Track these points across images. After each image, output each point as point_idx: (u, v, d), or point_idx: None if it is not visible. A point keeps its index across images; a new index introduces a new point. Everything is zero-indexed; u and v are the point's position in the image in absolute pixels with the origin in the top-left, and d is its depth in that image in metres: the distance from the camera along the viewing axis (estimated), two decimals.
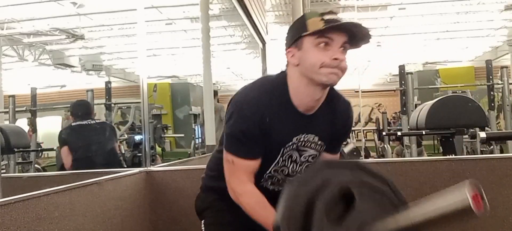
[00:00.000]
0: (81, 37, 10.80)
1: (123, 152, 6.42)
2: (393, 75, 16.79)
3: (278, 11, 11.18)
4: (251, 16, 6.39)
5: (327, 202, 1.09)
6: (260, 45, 8.07)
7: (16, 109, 6.80)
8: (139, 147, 6.14)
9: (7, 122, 7.12)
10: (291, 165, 1.49)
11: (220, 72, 15.39)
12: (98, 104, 6.76)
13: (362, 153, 7.43)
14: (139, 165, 4.36)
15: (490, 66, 6.24)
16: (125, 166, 4.97)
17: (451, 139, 3.91)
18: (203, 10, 4.86)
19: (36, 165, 6.44)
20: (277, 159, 1.47)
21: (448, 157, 3.45)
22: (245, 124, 1.38)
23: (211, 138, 4.59)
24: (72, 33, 10.73)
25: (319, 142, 1.49)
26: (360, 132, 10.73)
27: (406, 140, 5.99)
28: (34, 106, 6.50)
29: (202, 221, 1.63)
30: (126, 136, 7.48)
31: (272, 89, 1.41)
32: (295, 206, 1.11)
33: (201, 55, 4.69)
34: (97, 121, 3.98)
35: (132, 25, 10.47)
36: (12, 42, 11.71)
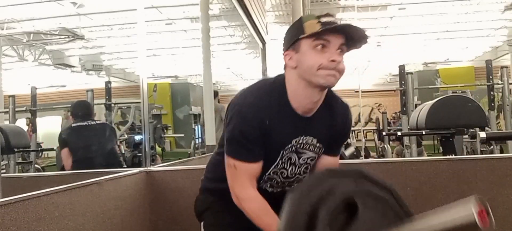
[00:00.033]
0: (81, 37, 10.80)
1: (123, 152, 6.43)
2: (393, 75, 16.79)
3: (278, 11, 11.18)
4: (251, 16, 6.39)
5: (331, 212, 1.09)
6: (260, 45, 8.07)
7: (16, 109, 6.80)
8: (139, 147, 6.15)
9: (7, 122, 7.13)
10: (290, 167, 1.50)
11: (220, 72, 15.40)
12: (98, 104, 6.76)
13: (362, 153, 7.43)
14: (139, 165, 4.36)
15: (490, 66, 6.24)
16: (125, 166, 4.98)
17: (451, 139, 3.91)
18: (203, 10, 4.86)
19: (35, 165, 6.44)
20: (277, 161, 1.47)
21: (448, 157, 3.46)
22: (246, 126, 1.38)
23: (211, 138, 4.59)
24: (72, 33, 10.73)
25: (318, 144, 1.49)
26: (360, 132, 10.73)
27: (406, 140, 5.99)
28: (34, 106, 6.50)
29: (202, 223, 1.63)
30: (126, 136, 7.48)
31: (270, 92, 1.42)
32: (298, 215, 1.11)
33: (201, 55, 4.69)
34: (97, 122, 3.97)
35: (132, 25, 10.47)
36: (12, 42, 11.72)
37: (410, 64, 14.56)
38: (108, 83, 7.01)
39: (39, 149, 7.18)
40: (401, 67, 6.15)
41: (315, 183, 1.17)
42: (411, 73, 6.22)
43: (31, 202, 1.56)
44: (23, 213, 1.51)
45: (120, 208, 2.21)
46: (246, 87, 1.48)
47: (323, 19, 1.32)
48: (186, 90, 16.12)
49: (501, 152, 5.77)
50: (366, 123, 17.01)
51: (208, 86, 4.64)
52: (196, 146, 10.77)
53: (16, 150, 5.42)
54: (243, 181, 1.43)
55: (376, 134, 10.08)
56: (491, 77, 6.20)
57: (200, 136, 11.37)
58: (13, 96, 6.96)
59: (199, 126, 11.56)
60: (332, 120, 1.49)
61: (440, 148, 4.80)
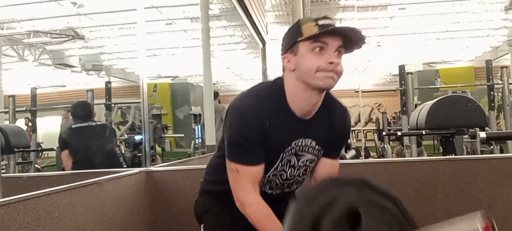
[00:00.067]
0: (81, 38, 10.81)
1: (123, 152, 6.43)
2: (393, 75, 16.80)
3: (278, 11, 11.19)
4: (251, 16, 6.38)
5: (334, 222, 1.08)
6: (260, 45, 8.07)
7: (16, 109, 6.80)
8: (139, 147, 6.15)
9: (7, 122, 7.13)
10: (289, 169, 1.50)
11: (220, 72, 15.40)
12: (98, 104, 6.76)
13: (362, 153, 7.44)
14: (139, 165, 4.36)
15: (490, 66, 6.24)
16: (125, 166, 4.97)
17: (451, 139, 3.90)
18: (203, 10, 4.86)
19: (35, 165, 6.44)
20: (276, 163, 1.47)
21: (448, 157, 3.46)
22: (246, 128, 1.38)
23: (211, 138, 4.59)
24: (73, 33, 10.73)
25: (317, 147, 1.50)
26: (360, 132, 10.74)
27: (406, 140, 5.99)
28: (34, 106, 6.50)
29: (202, 225, 1.63)
30: (126, 136, 7.48)
31: (269, 95, 1.42)
32: (301, 225, 1.10)
33: (201, 55, 4.69)
34: (97, 123, 3.96)
35: (132, 25, 10.48)
36: (12, 42, 11.72)
37: (410, 64, 14.56)
38: (108, 83, 7.02)
39: (39, 149, 7.18)
40: (401, 67, 6.15)
41: (318, 192, 1.16)
42: (411, 73, 6.22)
43: (31, 202, 1.56)
44: (23, 213, 1.51)
45: (120, 208, 2.21)
46: (245, 90, 1.48)
47: (321, 22, 1.32)
48: (186, 90, 16.13)
49: (501, 152, 5.78)
50: (366, 123, 17.04)
51: (208, 86, 4.64)
52: (196, 146, 10.77)
53: (16, 150, 5.42)
54: (245, 186, 1.42)
55: (376, 134, 10.08)
56: (491, 77, 6.20)
57: (200, 136, 11.37)
58: (13, 96, 6.97)
59: (199, 126, 11.56)
60: (330, 122, 1.50)
61: (440, 148, 4.80)
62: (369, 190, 1.15)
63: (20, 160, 6.19)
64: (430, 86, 10.26)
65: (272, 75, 7.31)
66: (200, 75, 4.92)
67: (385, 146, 7.55)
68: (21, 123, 7.27)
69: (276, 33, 10.07)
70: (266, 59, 7.93)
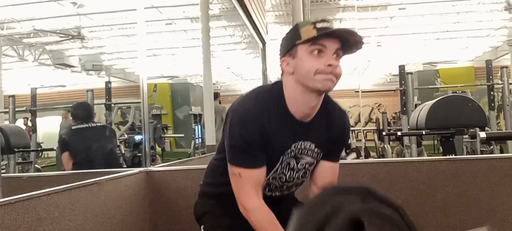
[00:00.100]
0: (81, 38, 10.81)
1: (123, 152, 6.42)
2: (393, 75, 16.80)
3: (278, 11, 11.20)
4: (251, 16, 6.38)
5: None
6: (260, 45, 8.07)
7: (16, 109, 6.80)
8: (139, 147, 6.14)
9: (7, 122, 7.13)
10: (289, 172, 1.51)
11: (220, 72, 15.41)
12: (98, 104, 6.76)
13: (362, 153, 7.44)
14: (139, 165, 4.36)
15: (490, 66, 6.24)
16: (125, 167, 4.97)
17: (451, 139, 3.90)
18: (203, 10, 4.86)
19: (35, 165, 6.44)
20: (276, 166, 1.48)
21: (448, 157, 3.45)
22: (246, 131, 1.39)
23: (211, 138, 4.59)
24: (73, 33, 10.74)
25: (316, 150, 1.50)
26: (360, 132, 10.73)
27: (406, 140, 5.99)
28: (34, 106, 6.51)
29: (202, 226, 1.64)
30: (126, 136, 7.48)
31: (268, 98, 1.43)
32: None
33: (201, 55, 4.69)
34: (97, 124, 3.95)
35: (132, 25, 10.48)
36: (12, 42, 11.72)
37: (410, 64, 14.57)
38: (108, 83, 7.02)
39: (39, 149, 7.18)
40: (401, 67, 6.16)
41: (321, 201, 1.16)
42: (411, 73, 6.23)
43: (31, 202, 1.56)
44: (23, 213, 1.51)
45: (120, 208, 2.20)
46: (244, 94, 1.49)
47: (319, 25, 1.33)
48: (186, 90, 16.13)
49: (501, 152, 5.78)
50: (366, 123, 17.03)
51: (208, 86, 4.63)
52: (196, 146, 10.77)
53: (16, 150, 5.42)
54: (248, 190, 1.43)
55: (376, 134, 10.09)
56: (491, 77, 6.20)
57: (200, 136, 11.37)
58: (13, 96, 6.97)
59: (199, 126, 11.56)
60: (329, 125, 1.50)
61: (440, 148, 4.80)
62: (373, 199, 1.14)
63: (20, 160, 6.19)
64: (430, 86, 10.24)
65: (272, 75, 7.31)
66: (200, 75, 4.91)
67: (385, 146, 7.56)
68: (20, 123, 7.26)
69: (276, 33, 10.07)
70: (266, 59, 7.92)
